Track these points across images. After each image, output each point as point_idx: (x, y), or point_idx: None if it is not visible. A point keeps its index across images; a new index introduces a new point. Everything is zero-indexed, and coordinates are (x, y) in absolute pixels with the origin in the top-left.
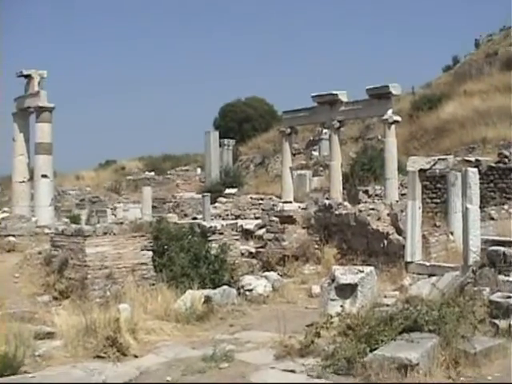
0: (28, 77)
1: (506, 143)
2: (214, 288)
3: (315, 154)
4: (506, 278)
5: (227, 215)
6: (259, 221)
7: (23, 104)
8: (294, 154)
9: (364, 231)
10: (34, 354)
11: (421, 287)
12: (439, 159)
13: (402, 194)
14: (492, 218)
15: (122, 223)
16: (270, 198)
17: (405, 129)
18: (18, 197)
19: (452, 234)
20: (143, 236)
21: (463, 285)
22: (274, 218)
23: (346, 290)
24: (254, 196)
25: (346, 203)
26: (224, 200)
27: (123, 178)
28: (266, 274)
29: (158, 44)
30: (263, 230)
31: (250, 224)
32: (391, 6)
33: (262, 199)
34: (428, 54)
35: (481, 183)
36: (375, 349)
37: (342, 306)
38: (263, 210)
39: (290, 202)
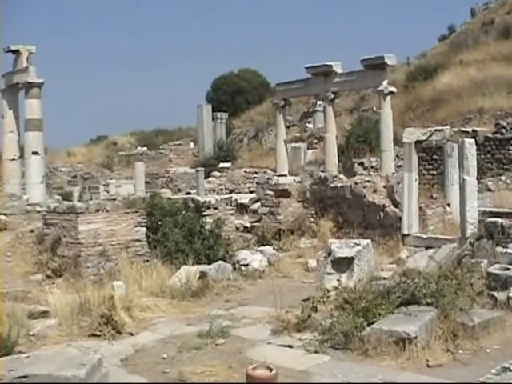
0: (16, 52)
1: (502, 113)
2: (209, 263)
3: (309, 126)
4: (504, 250)
5: (221, 190)
6: (254, 195)
7: (11, 80)
8: (287, 127)
9: (360, 204)
10: (29, 333)
11: (418, 260)
12: (435, 130)
13: (398, 166)
14: (489, 190)
15: (114, 199)
16: (265, 172)
17: (400, 100)
18: (9, 175)
19: (449, 205)
20: (136, 212)
21: (461, 257)
22: (269, 192)
23: (343, 264)
24: (248, 170)
25: (341, 176)
26: (218, 174)
27: (115, 154)
28: (262, 248)
29: (149, 17)
30: (258, 204)
31: (244, 198)
32: None
33: (256, 173)
34: (423, 24)
35: (478, 154)
36: (373, 323)
37: (338, 279)
38: (258, 183)
39: (285, 176)
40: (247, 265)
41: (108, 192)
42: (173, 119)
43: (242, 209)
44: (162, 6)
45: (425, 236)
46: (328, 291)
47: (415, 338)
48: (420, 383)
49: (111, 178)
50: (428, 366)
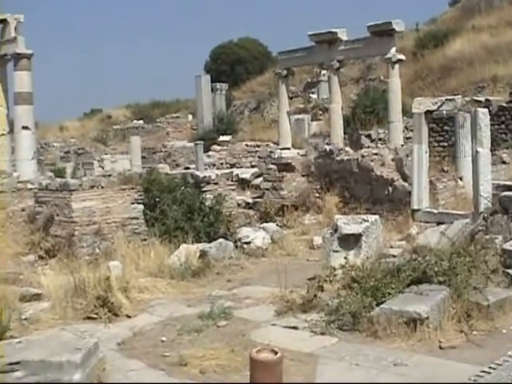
0: (3, 22)
1: None
2: (210, 241)
3: (314, 96)
4: None
5: (222, 164)
6: (256, 169)
7: None
8: (290, 98)
9: (367, 178)
10: (21, 317)
11: (429, 236)
12: (446, 100)
13: (407, 138)
14: (504, 162)
15: (110, 175)
16: (267, 145)
17: (409, 68)
18: None
19: (461, 179)
20: (133, 188)
21: (474, 233)
22: (272, 166)
23: (350, 241)
24: (249, 143)
25: (347, 148)
26: (218, 148)
27: (110, 128)
28: (265, 225)
29: None
30: (260, 178)
31: (246, 173)
32: None
33: (258, 146)
34: None
35: (491, 124)
36: (382, 302)
37: (345, 257)
38: (260, 157)
39: (288, 149)
40: (249, 242)
41: (103, 168)
42: (170, 91)
43: (243, 184)
44: None
45: (436, 211)
46: (334, 269)
47: (427, 318)
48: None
49: (106, 154)
50: (441, 347)
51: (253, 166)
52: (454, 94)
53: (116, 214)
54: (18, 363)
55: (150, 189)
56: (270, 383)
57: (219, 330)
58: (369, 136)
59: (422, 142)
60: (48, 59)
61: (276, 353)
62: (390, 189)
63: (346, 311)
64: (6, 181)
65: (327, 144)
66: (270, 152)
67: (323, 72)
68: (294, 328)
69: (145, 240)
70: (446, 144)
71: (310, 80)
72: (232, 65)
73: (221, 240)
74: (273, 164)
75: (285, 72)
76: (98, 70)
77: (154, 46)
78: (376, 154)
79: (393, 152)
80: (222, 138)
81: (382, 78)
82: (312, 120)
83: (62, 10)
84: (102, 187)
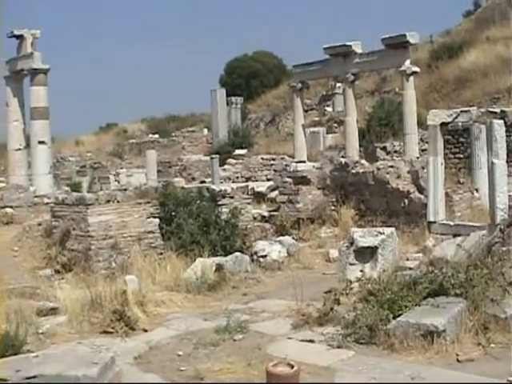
0: (20, 37)
1: None
2: (226, 255)
3: (329, 109)
4: None
5: (237, 178)
6: (271, 182)
7: (16, 66)
8: (306, 111)
9: (383, 190)
10: (37, 331)
11: (445, 248)
12: (461, 111)
13: (423, 150)
14: None
15: (125, 190)
16: (282, 158)
17: (424, 80)
18: (15, 165)
19: (477, 190)
20: (149, 202)
21: (491, 245)
22: (287, 179)
23: (366, 254)
24: (265, 156)
25: (363, 161)
26: (233, 161)
27: (126, 142)
28: (281, 238)
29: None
30: (276, 192)
31: (261, 186)
32: None
33: (273, 159)
34: None
35: (507, 136)
36: (399, 315)
37: (361, 270)
38: (275, 170)
39: (304, 162)
40: (265, 256)
41: (119, 182)
42: (185, 105)
43: (259, 197)
44: None
45: (452, 223)
46: (351, 282)
47: (444, 331)
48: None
49: (122, 167)
50: (458, 360)
51: (268, 180)
52: (469, 106)
53: (132, 228)
54: (34, 377)
55: (165, 203)
56: None
57: (235, 343)
58: (384, 148)
59: (438, 153)
60: (64, 73)
61: (292, 366)
62: (406, 201)
63: (362, 324)
64: (22, 195)
65: (342, 157)
66: (286, 165)
67: (338, 85)
68: (311, 341)
69: (161, 254)
70: (461, 156)
71: (325, 93)
72: (247, 78)
73: (237, 254)
74: (288, 177)
75: (300, 85)
76: (113, 84)
77: (170, 60)
78: (391, 167)
79: (408, 164)
80: (237, 152)
81: (396, 90)
82: (327, 133)
83: (78, 24)
84: (118, 201)
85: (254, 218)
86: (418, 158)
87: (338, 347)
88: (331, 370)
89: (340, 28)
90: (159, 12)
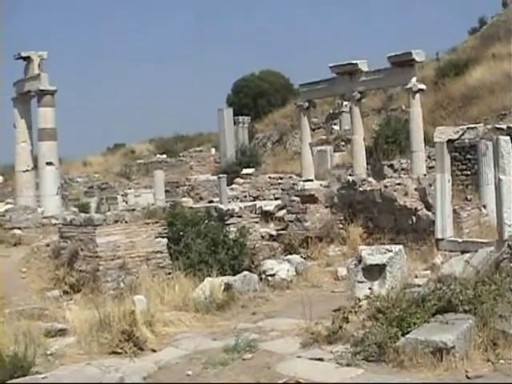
0: (27, 59)
1: None
2: (234, 274)
3: (336, 128)
4: None
5: (245, 197)
6: (279, 201)
7: (23, 88)
8: (313, 129)
9: (391, 208)
10: (46, 352)
11: (453, 265)
12: (468, 128)
13: (430, 167)
14: None
15: (133, 210)
16: (290, 177)
17: (430, 98)
18: (22, 186)
19: (485, 207)
20: (157, 222)
21: (499, 261)
22: (295, 198)
23: (374, 271)
24: (272, 175)
25: (370, 179)
26: (241, 181)
27: (133, 162)
28: (289, 257)
29: (165, 19)
30: (284, 210)
31: (269, 205)
32: None
33: (281, 178)
34: (452, 17)
35: None
36: (407, 332)
37: (370, 288)
38: (283, 189)
39: (311, 180)
40: (274, 275)
41: (126, 202)
42: (193, 124)
43: (267, 216)
44: (180, 5)
45: (460, 240)
46: (359, 300)
47: (453, 347)
48: None
49: (130, 188)
50: (467, 377)
51: (276, 199)
52: (476, 123)
53: (140, 249)
54: None
55: (173, 223)
56: None
57: (245, 362)
58: (391, 166)
59: (445, 170)
60: (71, 94)
61: None
62: (414, 218)
63: (371, 342)
64: (30, 216)
65: (350, 175)
66: (293, 184)
67: (345, 103)
68: (320, 360)
69: (169, 274)
70: (468, 172)
71: (331, 111)
72: (254, 97)
73: (245, 273)
74: (296, 196)
75: (306, 104)
76: (121, 104)
77: (177, 79)
78: (399, 184)
79: (416, 182)
80: (245, 171)
81: (403, 107)
82: (334, 151)
83: (86, 45)
84: (126, 222)
85: (262, 237)
86: (425, 175)
87: (348, 365)
88: None
89: (346, 46)
90: (167, 32)
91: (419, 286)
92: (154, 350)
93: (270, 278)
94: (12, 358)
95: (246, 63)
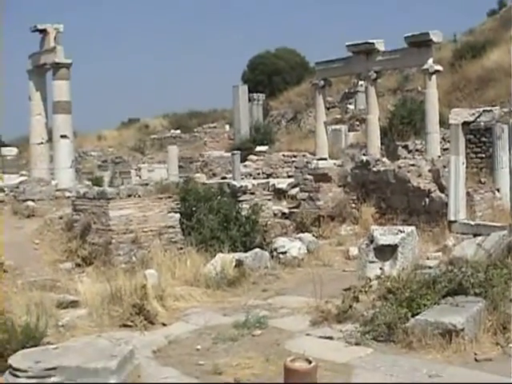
0: (43, 31)
1: None
2: (246, 251)
3: (351, 107)
4: None
5: (258, 174)
6: (292, 179)
7: (39, 60)
8: (328, 108)
9: (404, 189)
10: (57, 323)
11: (465, 248)
12: (484, 111)
13: (445, 149)
14: None
15: (147, 184)
16: (304, 155)
17: (446, 79)
18: (37, 159)
19: (498, 190)
20: (170, 197)
21: (511, 245)
22: (308, 176)
23: (386, 252)
24: (286, 153)
25: (384, 159)
26: (255, 158)
27: (147, 137)
28: (301, 235)
29: None
30: (296, 189)
31: (282, 183)
32: None
33: (294, 156)
34: None
35: None
36: (417, 313)
37: (381, 268)
38: (296, 167)
39: (325, 159)
40: (285, 252)
41: (140, 177)
42: (207, 101)
43: (279, 194)
44: None
45: (473, 223)
46: (370, 280)
47: (462, 330)
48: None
49: (143, 163)
50: (476, 360)
51: (289, 177)
52: (492, 105)
53: (153, 223)
54: (54, 369)
55: (186, 198)
56: None
57: (254, 339)
58: (406, 147)
59: (460, 153)
60: (87, 68)
61: (310, 362)
62: (427, 200)
63: (381, 322)
64: (44, 188)
65: (364, 155)
66: (307, 162)
67: (360, 83)
68: (329, 338)
69: (181, 249)
70: (483, 155)
71: (347, 90)
72: (269, 75)
73: (257, 250)
74: (309, 174)
75: (322, 82)
76: (136, 79)
77: (193, 56)
78: (413, 165)
79: (430, 163)
80: (258, 148)
81: (419, 88)
82: (349, 131)
83: (102, 19)
84: (139, 196)
85: (275, 215)
86: (439, 156)
87: (357, 344)
88: (349, 366)
89: (363, 25)
90: (184, 8)
91: (430, 267)
92: (164, 324)
93: (281, 256)
94: (24, 328)
95: (263, 40)
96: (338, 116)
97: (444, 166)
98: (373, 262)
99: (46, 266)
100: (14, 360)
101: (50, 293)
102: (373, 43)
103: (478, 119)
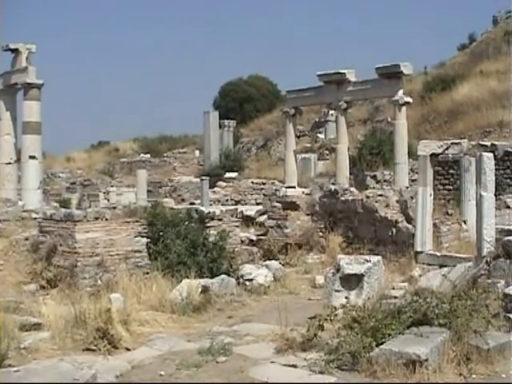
0: (15, 51)
1: None
2: (212, 277)
3: (321, 136)
4: None
5: (227, 200)
6: (261, 207)
7: (10, 80)
8: (298, 137)
9: (371, 219)
10: (20, 346)
11: (431, 279)
12: (452, 143)
13: (413, 180)
14: (508, 207)
15: (115, 208)
16: (273, 183)
17: (416, 111)
18: (4, 179)
19: (465, 222)
20: (137, 222)
21: (476, 277)
22: (277, 204)
23: (352, 281)
24: (255, 180)
25: (352, 189)
26: (224, 184)
27: (117, 161)
28: (267, 262)
29: (153, 18)
30: (265, 216)
31: (250, 210)
32: None
33: (263, 184)
34: (442, 32)
35: (496, 169)
36: (382, 343)
37: (347, 297)
38: (265, 195)
39: (294, 187)
40: (252, 280)
41: (108, 200)
42: (178, 126)
43: (247, 221)
44: (168, 7)
45: (439, 254)
46: (336, 309)
47: (426, 360)
48: None
49: (112, 186)
50: None
51: (258, 204)
52: (461, 138)
53: (119, 247)
54: None
55: (154, 222)
56: None
57: (218, 365)
58: (374, 177)
59: (427, 184)
60: (57, 89)
61: None
62: (394, 230)
63: (345, 351)
64: (11, 209)
65: (333, 184)
66: (276, 190)
67: (331, 112)
68: (293, 366)
69: (147, 273)
70: (450, 187)
71: (317, 120)
72: (241, 102)
73: (223, 276)
74: (278, 202)
75: (293, 111)
76: (106, 102)
77: (164, 80)
78: (381, 195)
79: (397, 194)
80: (228, 175)
81: (389, 119)
82: (318, 159)
83: (73, 39)
84: (107, 219)
85: (242, 242)
86: (407, 187)
87: (320, 373)
88: None
89: (335, 55)
90: (156, 31)
91: (396, 297)
92: (128, 349)
93: (247, 283)
94: None
95: (235, 67)
96: (308, 145)
97: (412, 197)
98: (339, 290)
99: (9, 288)
100: None
101: (13, 315)
102: (344, 73)
103: (447, 151)
